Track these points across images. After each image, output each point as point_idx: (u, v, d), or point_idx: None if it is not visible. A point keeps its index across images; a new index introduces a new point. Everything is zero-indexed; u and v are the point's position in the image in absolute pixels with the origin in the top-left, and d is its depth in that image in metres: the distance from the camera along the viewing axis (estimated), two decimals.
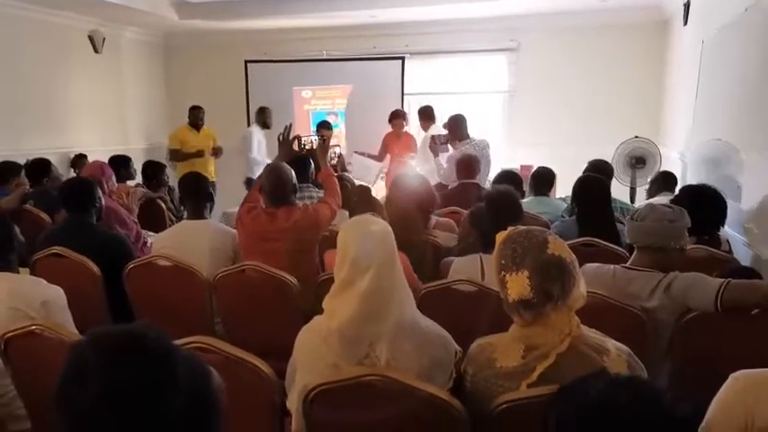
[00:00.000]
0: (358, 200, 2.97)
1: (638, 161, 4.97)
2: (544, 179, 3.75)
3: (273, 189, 2.71)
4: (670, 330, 1.91)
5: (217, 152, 6.25)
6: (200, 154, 6.09)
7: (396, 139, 5.81)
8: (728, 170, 3.58)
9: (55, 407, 0.79)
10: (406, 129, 5.90)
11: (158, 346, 0.80)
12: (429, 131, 5.53)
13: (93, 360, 0.77)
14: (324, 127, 5.82)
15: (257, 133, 6.30)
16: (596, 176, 3.11)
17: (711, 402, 1.18)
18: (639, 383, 1.08)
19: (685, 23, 5.33)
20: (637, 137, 5.05)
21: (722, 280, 1.84)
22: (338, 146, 5.65)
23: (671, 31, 6.24)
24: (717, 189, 2.75)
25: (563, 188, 4.52)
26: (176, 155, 6.16)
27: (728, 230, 3.07)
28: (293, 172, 2.80)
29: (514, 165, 5.31)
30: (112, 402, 0.75)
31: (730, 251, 2.75)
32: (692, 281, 1.89)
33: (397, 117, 5.80)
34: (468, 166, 4.16)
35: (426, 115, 5.67)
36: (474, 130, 6.10)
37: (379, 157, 5.89)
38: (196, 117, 6.21)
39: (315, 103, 7.07)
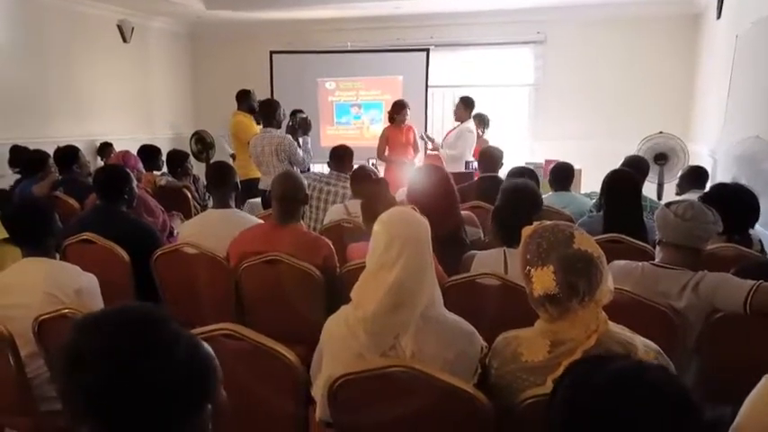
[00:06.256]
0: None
1: (659, 157, 4.88)
2: (563, 174, 3.70)
3: (280, 200, 2.56)
4: (698, 330, 1.89)
5: None
6: None
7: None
8: (764, 168, 3.49)
9: (61, 395, 0.82)
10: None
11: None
12: (465, 124, 5.42)
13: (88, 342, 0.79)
14: (400, 106, 5.40)
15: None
16: (628, 171, 3.03)
17: (743, 403, 1.16)
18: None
19: (718, 17, 5.21)
20: (661, 132, 4.96)
21: (753, 282, 1.81)
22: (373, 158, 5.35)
23: (703, 24, 6.10)
24: (749, 188, 2.68)
25: (588, 183, 4.46)
26: None
27: (762, 230, 2.99)
28: (304, 182, 2.63)
29: (539, 159, 5.26)
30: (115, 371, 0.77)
31: (763, 251, 2.68)
32: (720, 281, 1.87)
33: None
34: (489, 159, 4.12)
35: (466, 105, 5.48)
36: (499, 124, 6.09)
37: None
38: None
39: (339, 95, 7.09)
